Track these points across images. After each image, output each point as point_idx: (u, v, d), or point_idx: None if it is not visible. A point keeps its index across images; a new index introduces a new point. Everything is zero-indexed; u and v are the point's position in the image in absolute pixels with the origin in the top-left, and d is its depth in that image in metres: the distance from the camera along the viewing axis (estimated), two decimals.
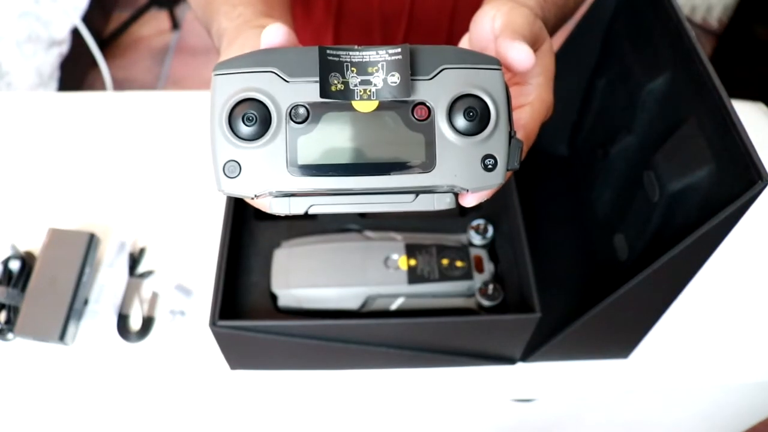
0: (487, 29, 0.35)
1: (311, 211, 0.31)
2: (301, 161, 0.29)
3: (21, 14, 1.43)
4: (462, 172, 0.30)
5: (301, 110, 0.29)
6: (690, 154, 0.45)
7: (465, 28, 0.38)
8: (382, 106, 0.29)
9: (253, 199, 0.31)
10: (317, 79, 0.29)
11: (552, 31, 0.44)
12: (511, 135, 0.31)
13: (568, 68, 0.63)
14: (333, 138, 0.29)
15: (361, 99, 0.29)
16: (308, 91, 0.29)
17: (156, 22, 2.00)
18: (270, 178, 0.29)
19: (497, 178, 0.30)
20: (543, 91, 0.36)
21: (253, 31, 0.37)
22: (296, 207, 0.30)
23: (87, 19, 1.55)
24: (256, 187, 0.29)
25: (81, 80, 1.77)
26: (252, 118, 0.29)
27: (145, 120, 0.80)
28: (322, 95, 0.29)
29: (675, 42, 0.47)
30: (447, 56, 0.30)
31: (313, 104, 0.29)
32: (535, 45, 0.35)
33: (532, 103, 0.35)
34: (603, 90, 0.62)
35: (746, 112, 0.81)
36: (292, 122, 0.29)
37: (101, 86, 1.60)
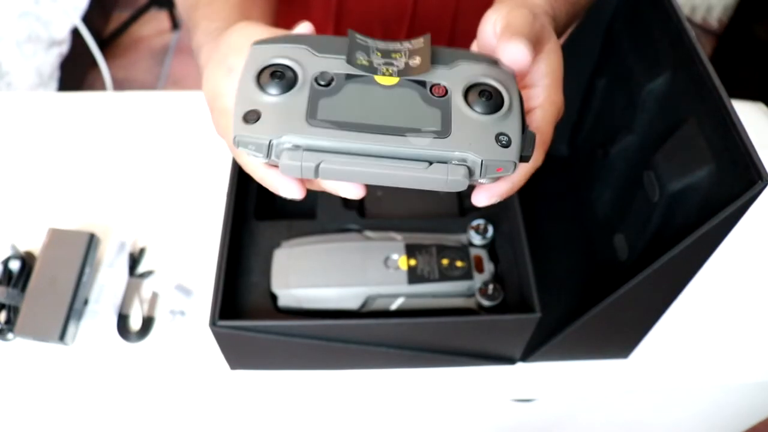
0: (489, 34, 0.35)
1: (322, 167, 0.30)
2: (320, 116, 0.30)
3: (21, 14, 1.43)
4: (477, 142, 0.30)
5: (326, 76, 0.31)
6: (690, 154, 0.45)
7: (467, 31, 0.38)
8: (402, 83, 0.31)
9: (266, 157, 0.30)
10: (345, 57, 0.32)
11: (564, 29, 0.44)
12: (525, 125, 0.32)
13: (568, 68, 0.63)
14: (353, 102, 0.30)
15: (383, 75, 0.31)
16: (335, 64, 0.32)
17: (156, 22, 2.00)
18: (287, 124, 0.30)
19: (511, 154, 0.30)
20: (552, 93, 0.36)
21: (236, 31, 0.36)
22: (307, 161, 0.29)
23: (87, 19, 1.55)
24: (273, 131, 0.30)
25: (81, 80, 1.77)
26: (279, 75, 0.31)
27: (145, 120, 0.79)
28: (348, 62, 0.31)
29: (675, 42, 0.47)
30: (464, 54, 0.33)
31: (338, 74, 0.31)
32: (537, 44, 0.35)
33: (542, 106, 0.35)
34: (603, 90, 0.62)
35: (746, 112, 0.81)
36: (316, 85, 0.31)
37: (101, 86, 1.60)
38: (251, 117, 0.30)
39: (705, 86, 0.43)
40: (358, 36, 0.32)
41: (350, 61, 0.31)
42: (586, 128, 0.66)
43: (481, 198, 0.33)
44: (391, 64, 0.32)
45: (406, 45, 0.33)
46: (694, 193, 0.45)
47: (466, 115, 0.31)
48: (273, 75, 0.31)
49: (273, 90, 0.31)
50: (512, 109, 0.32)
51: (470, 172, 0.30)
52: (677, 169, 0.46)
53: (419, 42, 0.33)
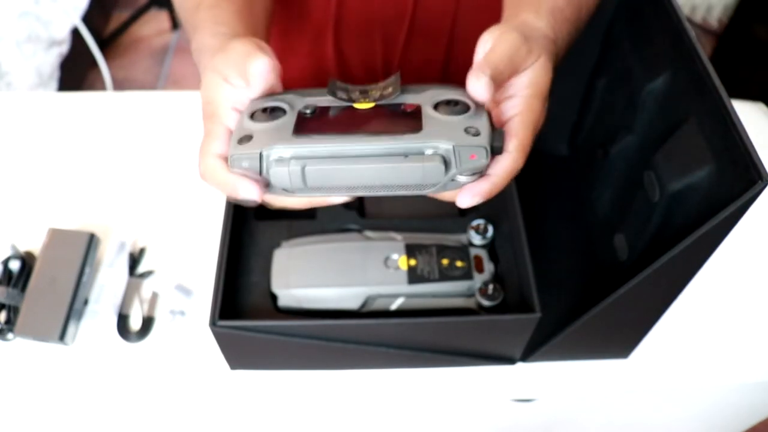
0: (481, 56, 0.38)
1: (307, 170, 0.33)
2: (305, 132, 0.34)
3: (21, 14, 1.43)
4: (447, 133, 0.33)
5: (311, 106, 0.35)
6: (690, 154, 0.45)
7: (466, 33, 0.40)
8: (377, 107, 0.35)
9: (259, 174, 0.33)
10: (327, 95, 0.36)
11: (567, 46, 0.46)
12: (493, 126, 0.35)
13: (568, 68, 0.63)
14: (334, 120, 0.34)
15: (360, 102, 0.35)
16: (319, 99, 0.36)
17: (156, 21, 2.00)
18: (276, 138, 0.34)
19: (482, 141, 0.33)
20: (532, 102, 0.37)
21: (237, 43, 0.39)
22: (294, 166, 0.33)
23: (87, 18, 1.55)
24: (262, 145, 0.33)
25: (81, 80, 1.77)
26: (270, 111, 0.36)
27: (145, 120, 0.79)
28: (329, 94, 0.36)
29: (675, 42, 0.47)
30: (433, 85, 0.37)
31: (322, 106, 0.36)
32: (514, 69, 0.38)
33: (521, 113, 0.37)
34: (603, 90, 0.62)
35: (746, 112, 0.81)
36: (302, 113, 0.35)
37: (101, 86, 1.60)
38: (245, 140, 0.34)
39: (705, 86, 0.43)
40: (338, 82, 0.37)
41: (331, 94, 0.36)
42: (586, 128, 0.66)
43: (464, 198, 0.35)
44: (367, 96, 0.36)
45: (380, 84, 0.37)
46: (694, 193, 0.45)
47: (436, 118, 0.34)
48: (264, 110, 0.36)
49: (264, 120, 0.35)
50: (479, 111, 0.35)
51: (446, 163, 0.33)
52: (677, 169, 0.46)
53: (390, 79, 0.37)
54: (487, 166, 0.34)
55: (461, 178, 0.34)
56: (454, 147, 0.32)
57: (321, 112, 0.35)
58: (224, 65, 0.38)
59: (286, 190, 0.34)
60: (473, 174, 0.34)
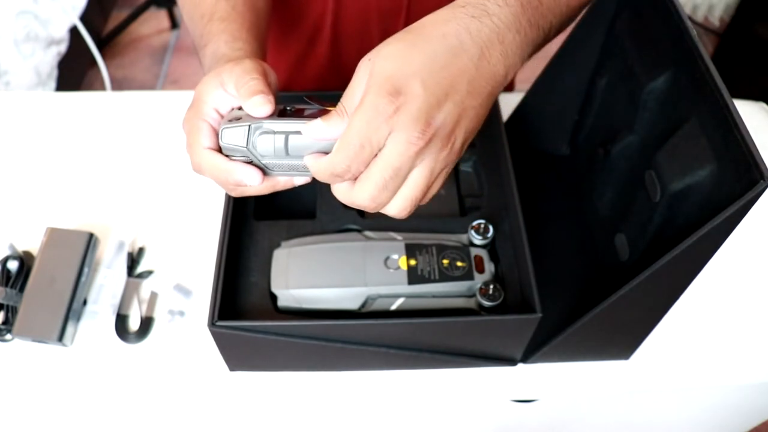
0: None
1: (290, 139, 0.39)
2: (287, 116, 0.40)
3: (19, 13, 1.43)
4: None
5: (291, 106, 0.41)
6: (691, 153, 0.45)
7: None
8: None
9: (245, 145, 0.39)
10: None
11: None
12: None
13: (569, 67, 0.63)
14: (310, 114, 0.40)
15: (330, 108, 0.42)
16: (296, 104, 0.42)
17: (155, 21, 2.00)
18: (263, 119, 0.40)
19: None
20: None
21: (248, 61, 0.44)
22: (279, 136, 0.39)
23: (85, 18, 1.55)
24: (251, 121, 0.39)
25: (79, 79, 1.76)
26: None
27: (144, 120, 0.79)
28: (307, 99, 0.42)
29: (676, 41, 0.47)
30: None
31: (300, 107, 0.41)
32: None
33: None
34: (604, 89, 0.61)
35: (748, 111, 0.81)
36: (283, 110, 0.41)
37: (100, 85, 1.60)
38: (233, 118, 0.40)
39: (706, 85, 0.42)
40: (313, 95, 0.44)
41: (307, 99, 0.42)
42: (587, 127, 0.66)
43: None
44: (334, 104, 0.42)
45: None
46: (695, 192, 0.45)
47: None
48: None
49: None
50: None
51: None
52: (678, 169, 0.46)
53: None
54: None
55: None
56: None
57: (299, 110, 0.41)
58: (228, 74, 0.41)
59: (266, 166, 0.40)
60: None
